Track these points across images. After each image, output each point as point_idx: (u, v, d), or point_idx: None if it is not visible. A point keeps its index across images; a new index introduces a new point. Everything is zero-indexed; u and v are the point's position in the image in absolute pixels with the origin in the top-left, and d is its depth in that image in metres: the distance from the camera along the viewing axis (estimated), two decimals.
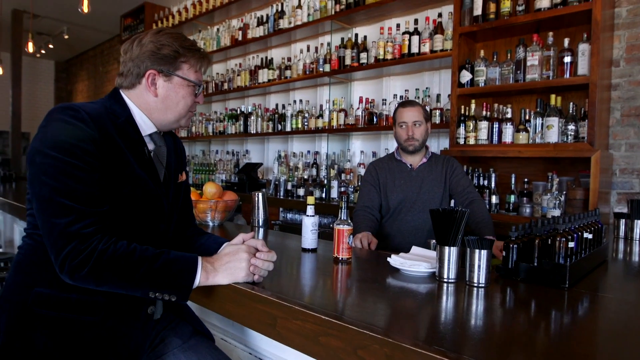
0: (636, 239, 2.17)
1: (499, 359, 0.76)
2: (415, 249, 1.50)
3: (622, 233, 2.23)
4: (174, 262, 1.08)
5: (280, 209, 4.15)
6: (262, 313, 1.01)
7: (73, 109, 1.10)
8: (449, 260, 1.24)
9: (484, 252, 1.19)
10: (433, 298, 1.16)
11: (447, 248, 1.24)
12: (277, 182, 4.42)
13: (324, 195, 3.99)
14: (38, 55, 8.44)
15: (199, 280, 1.09)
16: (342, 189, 3.86)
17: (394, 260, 1.36)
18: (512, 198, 2.96)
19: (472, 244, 1.19)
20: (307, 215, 1.61)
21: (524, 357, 0.79)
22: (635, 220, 2.18)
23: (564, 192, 2.72)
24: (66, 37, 7.56)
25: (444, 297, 1.17)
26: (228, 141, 5.56)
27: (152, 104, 1.24)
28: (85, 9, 3.74)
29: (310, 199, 1.61)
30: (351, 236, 1.46)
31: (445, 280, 1.25)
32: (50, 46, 8.12)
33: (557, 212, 2.68)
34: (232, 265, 1.13)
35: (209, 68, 6.23)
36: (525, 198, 2.93)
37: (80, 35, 8.07)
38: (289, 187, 4.31)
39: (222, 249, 1.20)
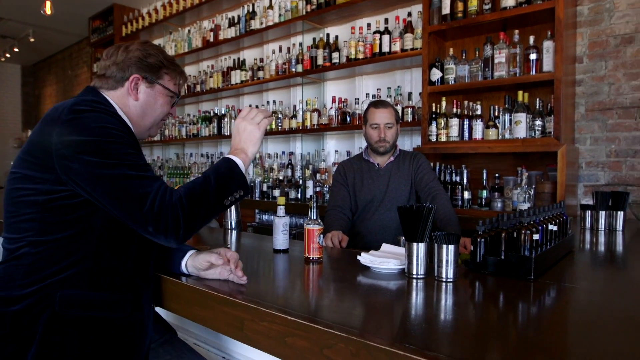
0: (601, 230, 2.23)
1: (469, 353, 0.77)
2: (385, 247, 1.51)
3: (588, 224, 2.30)
4: (221, 170, 1.18)
5: (256, 211, 4.13)
6: (229, 316, 1.00)
7: (91, 102, 1.17)
8: (417, 256, 1.25)
9: (451, 247, 1.21)
10: (403, 294, 1.17)
11: (415, 244, 1.25)
12: (252, 184, 4.39)
13: (299, 195, 3.98)
14: (2, 59, 8.17)
15: (245, 163, 1.22)
16: (318, 189, 3.86)
17: (364, 258, 1.36)
18: (484, 193, 3.01)
19: (440, 239, 1.21)
20: (278, 216, 1.60)
21: (494, 351, 0.80)
22: (600, 212, 2.25)
23: (533, 186, 2.78)
24: (32, 40, 7.33)
25: (414, 293, 1.18)
26: (202, 144, 5.50)
27: (132, 108, 1.29)
28: (48, 10, 3.64)
29: (281, 200, 1.61)
30: (321, 236, 1.46)
31: (415, 276, 1.26)
32: (16, 50, 7.87)
33: (526, 206, 2.74)
34: (250, 128, 1.26)
35: None
36: (496, 193, 2.98)
37: (47, 38, 7.85)
38: (265, 189, 4.29)
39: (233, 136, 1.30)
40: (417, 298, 1.15)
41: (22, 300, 1.08)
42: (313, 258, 1.44)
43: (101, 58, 1.34)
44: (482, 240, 1.33)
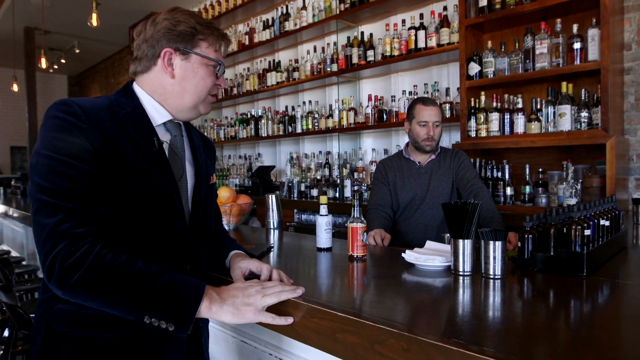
0: None
1: (520, 351, 0.76)
2: (429, 244, 1.50)
3: None
4: (178, 284, 0.96)
5: (295, 211, 4.17)
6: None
7: (66, 103, 1.01)
8: (463, 253, 1.24)
9: (498, 244, 1.19)
10: (450, 291, 1.16)
11: (461, 241, 1.24)
12: (290, 184, 4.45)
13: (337, 194, 4.00)
14: (51, 70, 8.61)
15: (201, 309, 0.95)
16: (356, 188, 3.87)
17: (409, 255, 1.36)
18: (528, 189, 2.93)
19: (487, 235, 1.19)
20: (321, 215, 1.62)
21: (546, 348, 0.78)
22: None
23: (580, 180, 2.68)
24: (77, 51, 7.70)
25: (461, 290, 1.17)
26: (240, 145, 5.61)
27: (169, 87, 1.14)
28: (95, 22, 3.81)
29: (323, 199, 1.62)
30: (365, 233, 1.46)
31: (461, 273, 1.24)
32: (62, 61, 8.28)
33: (573, 201, 2.65)
34: (239, 301, 0.98)
35: None
36: (540, 188, 2.90)
37: (91, 48, 8.21)
38: (302, 188, 4.33)
39: (234, 283, 1.08)
40: (464, 295, 1.14)
41: (38, 307, 1.08)
42: (357, 256, 1.45)
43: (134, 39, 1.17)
44: (530, 236, 1.30)
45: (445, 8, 3.33)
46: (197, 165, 1.21)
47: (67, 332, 1.01)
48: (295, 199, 4.28)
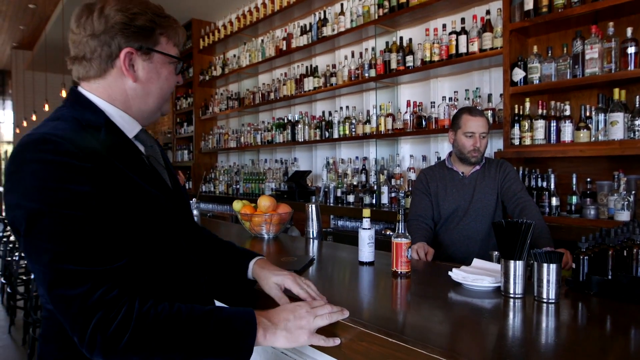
0: None
1: None
2: (476, 262, 1.46)
3: None
4: (230, 320, 0.90)
5: (331, 217, 4.17)
6: (326, 332, 1.01)
7: (49, 141, 0.83)
8: (514, 274, 1.20)
9: (553, 266, 1.14)
10: (499, 314, 1.12)
11: (512, 262, 1.20)
12: (326, 189, 4.44)
13: (374, 201, 3.96)
14: None
15: (257, 340, 0.91)
16: (393, 195, 3.82)
17: (456, 274, 1.33)
18: (574, 199, 2.81)
19: (540, 257, 1.15)
20: (363, 228, 1.61)
21: None
22: None
23: (633, 192, 2.55)
24: None
25: (511, 314, 1.13)
26: (276, 150, 5.65)
27: (131, 92, 0.99)
28: None
29: (366, 212, 1.61)
30: (409, 249, 1.44)
31: (512, 295, 1.20)
32: None
33: (625, 214, 2.52)
34: (291, 324, 0.94)
35: (256, 79, 6.19)
36: (588, 199, 2.78)
37: None
38: (339, 194, 4.32)
39: (282, 306, 1.04)
40: (515, 319, 1.10)
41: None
42: (401, 272, 1.43)
43: (70, 29, 0.97)
44: (586, 257, 1.25)
45: (488, 12, 3.24)
46: (168, 169, 1.12)
47: None
48: (332, 204, 4.27)
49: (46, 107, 8.64)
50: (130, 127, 1.00)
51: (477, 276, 1.29)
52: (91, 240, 0.82)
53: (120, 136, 0.97)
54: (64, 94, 7.81)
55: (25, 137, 0.85)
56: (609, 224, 2.56)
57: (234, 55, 5.97)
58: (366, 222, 1.61)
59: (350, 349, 0.97)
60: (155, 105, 1.04)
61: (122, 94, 0.98)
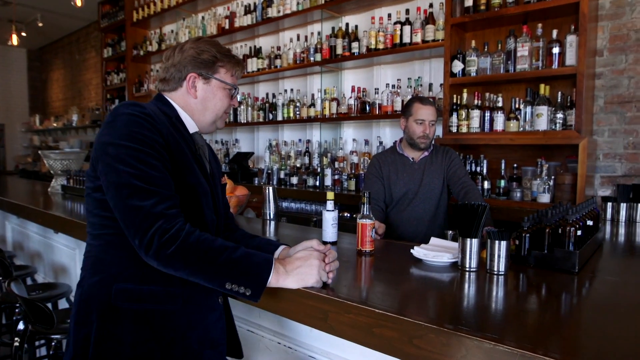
0: (622, 221, 2.34)
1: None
2: (434, 240, 1.61)
3: (609, 215, 2.40)
4: (252, 255, 1.12)
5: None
6: (312, 309, 1.09)
7: (139, 105, 1.18)
8: (470, 250, 1.35)
9: (503, 243, 1.30)
10: (458, 285, 1.27)
11: (469, 240, 1.35)
12: (269, 171, 4.48)
13: (317, 183, 4.08)
14: (10, 43, 8.14)
15: (270, 279, 1.11)
16: (336, 177, 3.95)
17: (417, 251, 1.46)
18: (503, 183, 3.11)
19: (494, 235, 1.30)
20: (327, 210, 1.69)
21: (558, 337, 0.90)
22: (621, 204, 2.35)
23: (553, 177, 2.88)
24: (40, 24, 7.31)
25: (466, 284, 1.28)
26: (217, 130, 5.55)
27: (193, 105, 1.34)
28: (79, 2, 3.64)
29: (330, 195, 1.70)
30: (374, 230, 1.55)
31: (468, 269, 1.36)
32: (23, 34, 7.84)
33: (546, 196, 2.84)
34: (303, 270, 1.15)
35: None
36: (514, 183, 3.08)
37: (55, 22, 7.82)
38: (282, 176, 4.38)
39: (295, 253, 1.23)
40: (470, 288, 1.25)
41: (88, 290, 1.20)
42: (366, 251, 1.54)
43: (162, 61, 1.40)
44: (527, 235, 1.43)
45: (431, 5, 3.42)
46: (212, 169, 1.43)
47: (129, 306, 1.16)
48: (275, 186, 4.32)
49: None
50: (190, 127, 1.34)
51: (437, 253, 1.43)
52: (158, 171, 1.12)
53: (183, 127, 1.32)
54: None
55: (123, 103, 1.19)
56: (532, 205, 2.87)
57: (172, 31, 5.73)
58: (330, 205, 1.70)
59: (336, 321, 1.06)
60: (210, 118, 1.37)
61: (187, 105, 1.34)
